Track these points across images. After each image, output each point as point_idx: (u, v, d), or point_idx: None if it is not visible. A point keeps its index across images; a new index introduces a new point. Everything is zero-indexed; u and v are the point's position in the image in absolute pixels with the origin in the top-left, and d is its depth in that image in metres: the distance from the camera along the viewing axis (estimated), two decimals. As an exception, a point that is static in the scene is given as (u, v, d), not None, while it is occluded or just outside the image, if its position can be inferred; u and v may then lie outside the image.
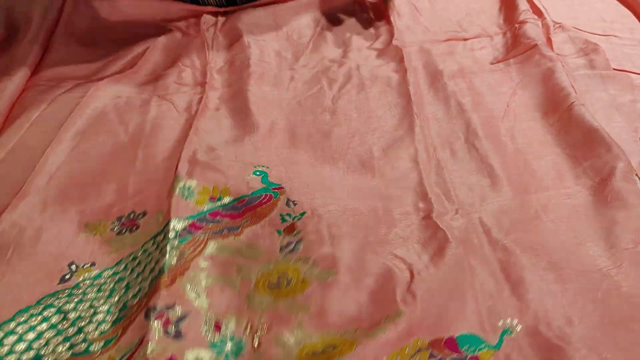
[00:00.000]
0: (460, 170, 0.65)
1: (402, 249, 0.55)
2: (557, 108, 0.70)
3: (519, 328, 0.48)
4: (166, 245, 0.51)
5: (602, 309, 0.49)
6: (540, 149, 0.66)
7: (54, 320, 0.45)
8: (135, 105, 0.74)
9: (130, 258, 0.52)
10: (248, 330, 0.47)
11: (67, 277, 0.49)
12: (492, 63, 0.81)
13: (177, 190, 0.57)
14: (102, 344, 0.44)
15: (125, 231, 0.55)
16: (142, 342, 0.42)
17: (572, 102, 0.68)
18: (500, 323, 0.48)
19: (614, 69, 0.77)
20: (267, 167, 0.64)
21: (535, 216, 0.58)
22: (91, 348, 0.43)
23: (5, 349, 0.43)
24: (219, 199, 0.60)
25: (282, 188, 0.61)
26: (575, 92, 0.71)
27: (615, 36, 0.84)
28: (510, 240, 0.56)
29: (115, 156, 0.65)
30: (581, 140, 0.65)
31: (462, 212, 0.59)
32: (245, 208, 0.58)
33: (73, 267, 0.50)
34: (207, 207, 0.58)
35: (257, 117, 0.71)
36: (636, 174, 0.60)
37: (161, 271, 0.48)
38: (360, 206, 0.60)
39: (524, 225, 0.57)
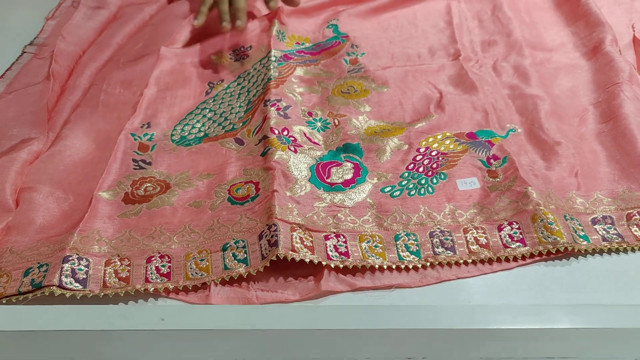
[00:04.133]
0: (484, 34, 0.85)
1: (434, 77, 0.77)
2: (568, 1, 0.88)
3: (520, 130, 0.68)
4: (270, 65, 0.75)
5: (581, 126, 0.69)
6: (550, 27, 0.86)
7: (209, 115, 0.71)
8: None
9: (246, 73, 0.77)
10: (330, 116, 0.70)
11: (209, 91, 0.75)
12: None
13: (274, 32, 0.82)
14: (241, 124, 0.69)
15: (239, 59, 0.80)
16: (265, 119, 0.67)
17: None
18: (507, 125, 0.69)
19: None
20: (338, 20, 0.86)
21: (540, 63, 0.78)
22: (235, 127, 0.68)
23: (186, 131, 0.68)
24: (302, 44, 0.83)
25: (347, 36, 0.84)
26: None
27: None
28: (517, 80, 0.75)
29: None
30: (583, 22, 0.84)
31: (480, 62, 0.80)
32: (320, 49, 0.82)
33: (211, 84, 0.76)
34: (294, 47, 0.82)
35: None
36: (619, 50, 0.78)
37: (269, 79, 0.73)
38: (407, 51, 0.82)
39: (530, 68, 0.77)
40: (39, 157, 0.63)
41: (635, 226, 0.56)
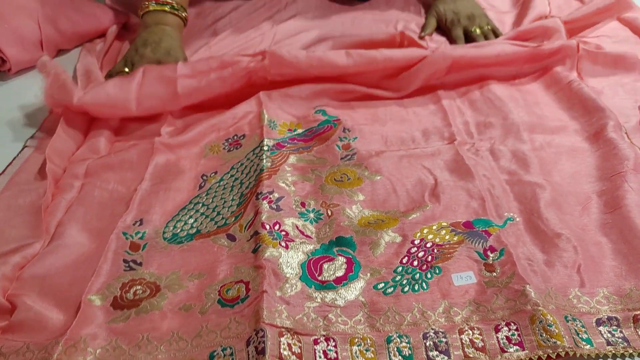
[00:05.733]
0: (478, 115, 0.84)
1: (429, 162, 0.76)
2: (558, 83, 0.88)
3: (518, 219, 0.66)
4: (262, 154, 0.75)
5: (584, 216, 0.66)
6: (545, 108, 0.84)
7: (201, 210, 0.70)
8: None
9: (239, 164, 0.77)
10: (323, 206, 0.70)
11: (202, 184, 0.75)
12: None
13: (265, 121, 0.82)
14: (233, 218, 0.68)
15: (232, 149, 0.80)
16: (257, 213, 0.66)
17: (570, 80, 0.86)
18: (505, 214, 0.67)
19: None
20: (325, 107, 0.86)
21: (540, 148, 0.76)
22: (227, 221, 0.68)
23: (178, 228, 0.68)
24: (294, 130, 0.83)
25: (339, 120, 0.84)
26: (580, 75, 0.89)
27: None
28: (515, 166, 0.74)
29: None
30: (580, 107, 0.82)
31: (477, 145, 0.78)
32: (313, 135, 0.82)
33: (204, 177, 0.76)
34: (286, 135, 0.82)
35: None
36: (625, 132, 0.76)
37: (261, 170, 0.73)
38: (401, 134, 0.82)
39: (530, 153, 0.75)
40: (31, 261, 0.63)
41: None
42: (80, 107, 0.81)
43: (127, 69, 0.89)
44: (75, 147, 0.80)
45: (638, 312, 0.54)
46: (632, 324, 0.54)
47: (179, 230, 0.67)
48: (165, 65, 0.85)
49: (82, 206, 0.70)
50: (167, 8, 0.95)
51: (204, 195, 0.72)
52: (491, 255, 0.61)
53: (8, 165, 0.78)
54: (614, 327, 0.54)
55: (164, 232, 0.67)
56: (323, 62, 0.86)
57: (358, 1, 1.17)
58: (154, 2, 0.95)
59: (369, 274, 0.61)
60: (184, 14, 0.98)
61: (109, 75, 0.91)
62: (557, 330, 0.51)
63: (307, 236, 0.65)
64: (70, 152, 0.79)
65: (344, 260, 0.62)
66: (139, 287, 0.60)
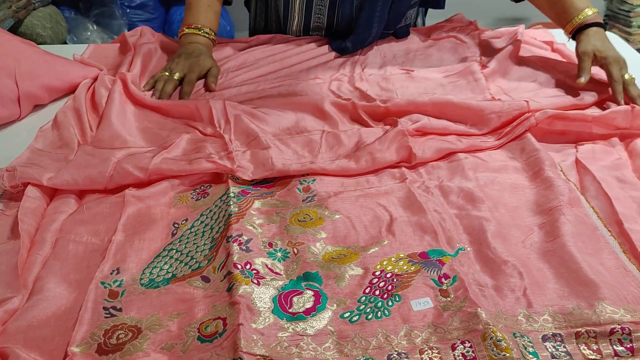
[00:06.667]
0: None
1: (384, 199, 0.83)
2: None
3: (469, 249, 0.74)
4: (229, 201, 0.81)
5: (527, 246, 0.74)
6: (490, 152, 0.94)
7: (175, 256, 0.75)
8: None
9: (208, 211, 0.82)
10: (289, 245, 0.75)
11: (174, 232, 0.79)
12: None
13: (229, 176, 0.87)
14: (206, 261, 0.73)
15: (200, 198, 0.85)
16: (228, 255, 0.71)
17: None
18: (457, 244, 0.74)
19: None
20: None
21: (484, 185, 0.85)
22: (201, 265, 0.72)
23: (154, 274, 0.72)
24: (256, 178, 0.88)
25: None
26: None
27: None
28: (463, 201, 0.82)
29: None
30: (517, 148, 0.92)
31: (427, 183, 0.86)
32: (274, 181, 0.87)
33: (176, 225, 0.80)
34: (249, 183, 0.87)
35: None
36: (561, 170, 0.86)
37: (229, 215, 0.78)
38: (355, 176, 0.89)
39: (476, 189, 0.83)
40: (14, 316, 0.65)
41: (584, 344, 0.60)
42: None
43: (167, 73, 1.12)
44: (45, 205, 0.82)
45: (580, 329, 0.62)
46: (574, 340, 0.61)
47: (155, 276, 0.71)
48: (140, 159, 0.87)
49: (57, 260, 0.73)
50: (197, 31, 1.20)
51: (177, 242, 0.76)
52: (445, 282, 0.68)
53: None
54: (558, 343, 0.61)
55: (140, 279, 0.71)
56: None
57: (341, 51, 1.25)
58: (185, 27, 1.21)
59: (335, 305, 0.66)
60: (212, 36, 1.22)
61: (152, 79, 1.13)
62: (506, 345, 0.58)
63: (276, 273, 0.71)
64: (41, 210, 0.81)
65: (312, 293, 0.68)
66: (121, 331, 0.64)
